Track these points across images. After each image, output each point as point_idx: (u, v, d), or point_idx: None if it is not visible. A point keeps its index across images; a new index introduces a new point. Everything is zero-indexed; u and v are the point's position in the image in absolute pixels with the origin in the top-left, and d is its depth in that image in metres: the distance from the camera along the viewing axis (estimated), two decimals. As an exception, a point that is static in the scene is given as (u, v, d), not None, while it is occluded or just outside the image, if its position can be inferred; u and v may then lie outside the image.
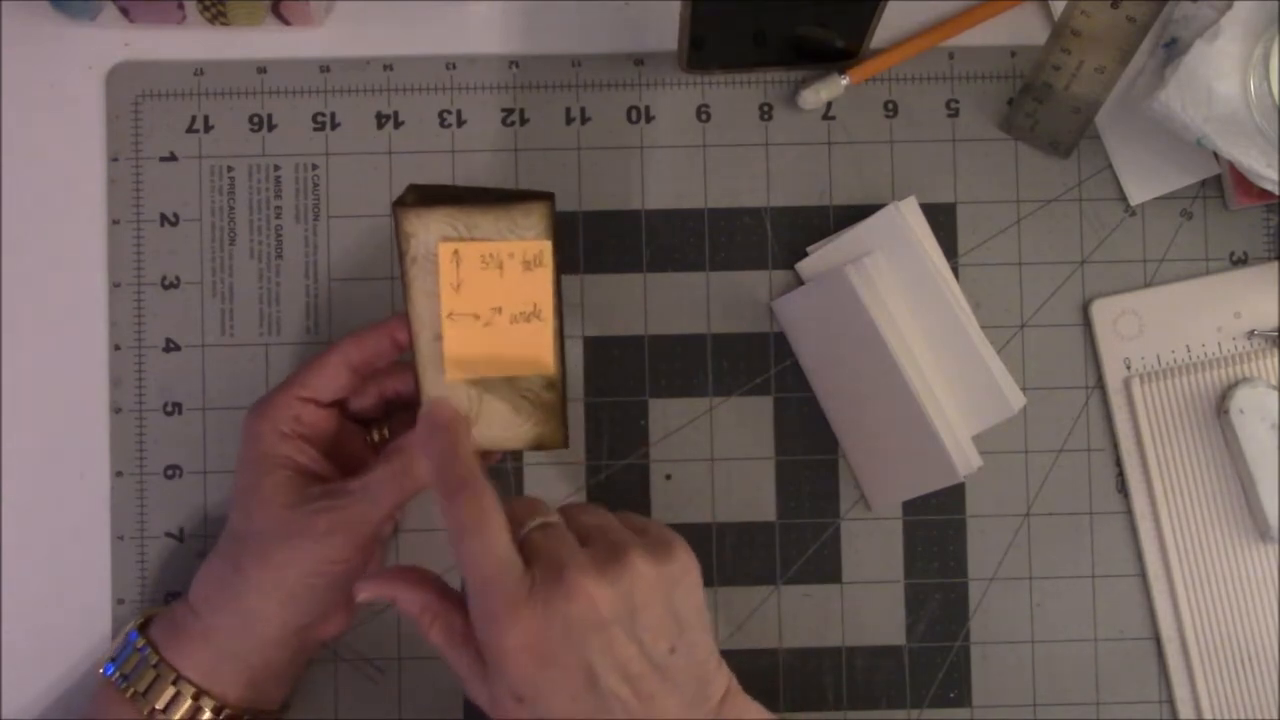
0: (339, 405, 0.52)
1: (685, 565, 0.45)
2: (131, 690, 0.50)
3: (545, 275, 0.47)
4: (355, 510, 0.49)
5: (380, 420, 0.55)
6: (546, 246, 0.47)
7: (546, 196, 0.47)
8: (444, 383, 0.48)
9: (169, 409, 0.57)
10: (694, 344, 0.58)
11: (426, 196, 0.48)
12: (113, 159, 0.57)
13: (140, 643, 0.51)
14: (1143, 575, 0.57)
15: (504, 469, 0.57)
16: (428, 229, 0.47)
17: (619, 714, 0.43)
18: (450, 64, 0.58)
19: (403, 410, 0.54)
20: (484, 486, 0.44)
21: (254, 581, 0.49)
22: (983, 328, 0.56)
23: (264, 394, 0.52)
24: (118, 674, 0.51)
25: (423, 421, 0.46)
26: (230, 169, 0.57)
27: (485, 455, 0.53)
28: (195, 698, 0.50)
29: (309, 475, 0.51)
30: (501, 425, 0.49)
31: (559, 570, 0.43)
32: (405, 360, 0.50)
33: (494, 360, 0.48)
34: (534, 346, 0.48)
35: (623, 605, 0.43)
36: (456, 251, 0.47)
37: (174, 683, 0.50)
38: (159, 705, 0.50)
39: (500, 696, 0.44)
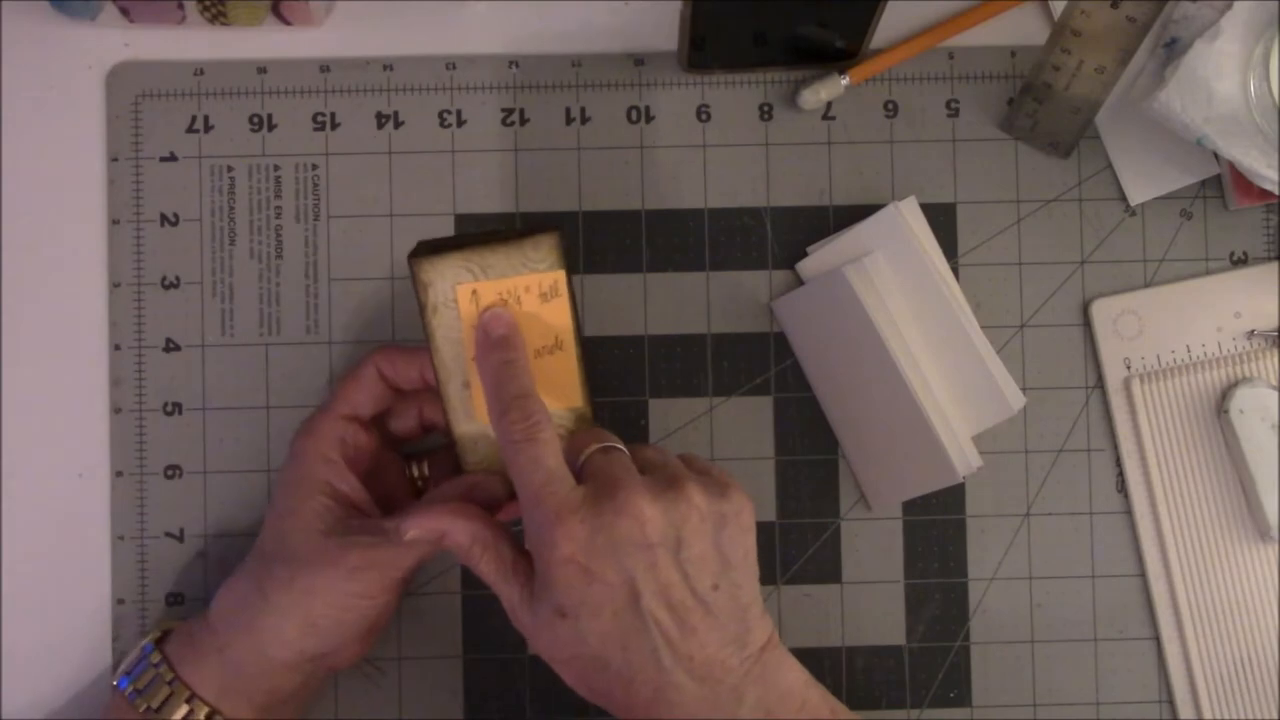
0: (380, 426, 0.53)
1: (738, 506, 0.45)
2: (145, 706, 0.50)
3: (563, 304, 0.48)
4: (390, 552, 0.49)
5: (420, 454, 0.55)
6: (561, 275, 0.48)
7: (554, 228, 0.48)
8: (476, 428, 0.49)
9: (169, 409, 0.57)
10: (694, 344, 0.58)
11: (436, 247, 0.48)
12: (113, 159, 0.57)
13: (155, 658, 0.50)
14: (1143, 575, 0.57)
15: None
16: (444, 276, 0.48)
17: (657, 640, 0.43)
18: (450, 64, 0.58)
19: (443, 450, 0.54)
20: (537, 402, 0.46)
21: (274, 604, 0.49)
22: (983, 328, 0.56)
23: (311, 413, 0.52)
24: (131, 688, 0.50)
25: (480, 333, 0.47)
26: (230, 169, 0.57)
27: None
28: (209, 718, 0.49)
29: (347, 504, 0.51)
30: None
31: (613, 486, 0.44)
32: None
33: None
34: (562, 380, 0.49)
35: (671, 531, 0.44)
36: (474, 291, 0.48)
37: (188, 700, 0.49)
38: None
39: (544, 613, 0.44)
